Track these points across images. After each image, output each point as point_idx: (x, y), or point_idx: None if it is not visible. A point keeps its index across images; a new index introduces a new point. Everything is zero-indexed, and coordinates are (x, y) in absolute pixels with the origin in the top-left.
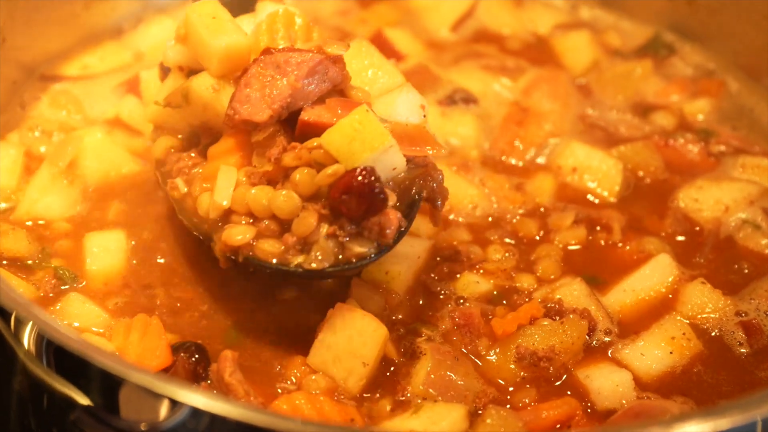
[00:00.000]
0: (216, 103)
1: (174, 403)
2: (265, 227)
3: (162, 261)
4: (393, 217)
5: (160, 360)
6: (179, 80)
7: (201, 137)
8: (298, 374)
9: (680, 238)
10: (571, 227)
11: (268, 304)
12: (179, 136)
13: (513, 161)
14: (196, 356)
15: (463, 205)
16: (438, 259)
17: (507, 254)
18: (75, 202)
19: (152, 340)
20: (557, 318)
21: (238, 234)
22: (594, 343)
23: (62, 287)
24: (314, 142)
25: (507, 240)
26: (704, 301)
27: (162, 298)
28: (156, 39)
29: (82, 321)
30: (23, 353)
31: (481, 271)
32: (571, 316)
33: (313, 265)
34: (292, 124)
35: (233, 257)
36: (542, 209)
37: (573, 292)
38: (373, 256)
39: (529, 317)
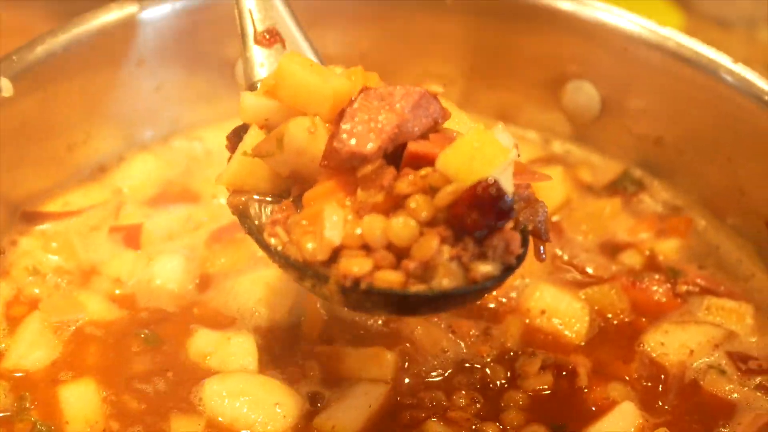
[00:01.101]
0: (311, 147)
1: None
2: (381, 257)
3: (139, 410)
4: (516, 235)
5: None
6: (262, 135)
7: (291, 189)
8: None
9: (646, 383)
10: (538, 373)
11: None
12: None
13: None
14: None
15: (432, 351)
16: (398, 399)
17: (473, 402)
18: (55, 350)
19: None
20: None
21: (356, 265)
22: None
23: None
24: (427, 169)
25: (472, 384)
26: None
27: None
28: (138, 176)
29: None
30: None
31: (443, 421)
32: None
33: (445, 283)
34: (393, 162)
35: (349, 292)
36: (511, 353)
37: None
38: (498, 275)
39: None
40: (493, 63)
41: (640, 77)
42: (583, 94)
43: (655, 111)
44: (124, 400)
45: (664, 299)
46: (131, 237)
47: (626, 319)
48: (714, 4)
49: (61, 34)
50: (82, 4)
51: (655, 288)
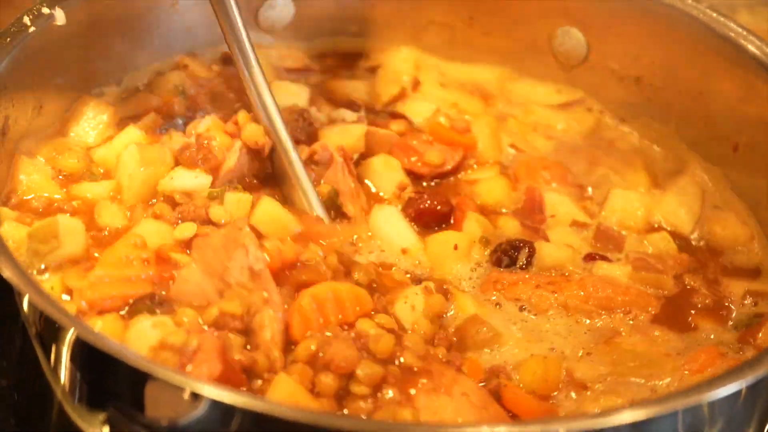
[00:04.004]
0: None
1: (196, 396)
2: None
3: None
4: None
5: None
6: None
7: None
8: None
9: None
10: None
11: None
12: None
13: None
14: None
15: None
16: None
17: None
18: None
19: None
20: None
21: None
22: None
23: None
24: None
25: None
26: None
27: None
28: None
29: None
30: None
31: None
32: None
33: None
34: None
35: None
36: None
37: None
38: None
39: None
40: (492, 12)
41: (620, 19)
42: (571, 38)
43: (634, 51)
44: None
45: None
46: None
47: None
48: None
49: None
50: None
51: None
